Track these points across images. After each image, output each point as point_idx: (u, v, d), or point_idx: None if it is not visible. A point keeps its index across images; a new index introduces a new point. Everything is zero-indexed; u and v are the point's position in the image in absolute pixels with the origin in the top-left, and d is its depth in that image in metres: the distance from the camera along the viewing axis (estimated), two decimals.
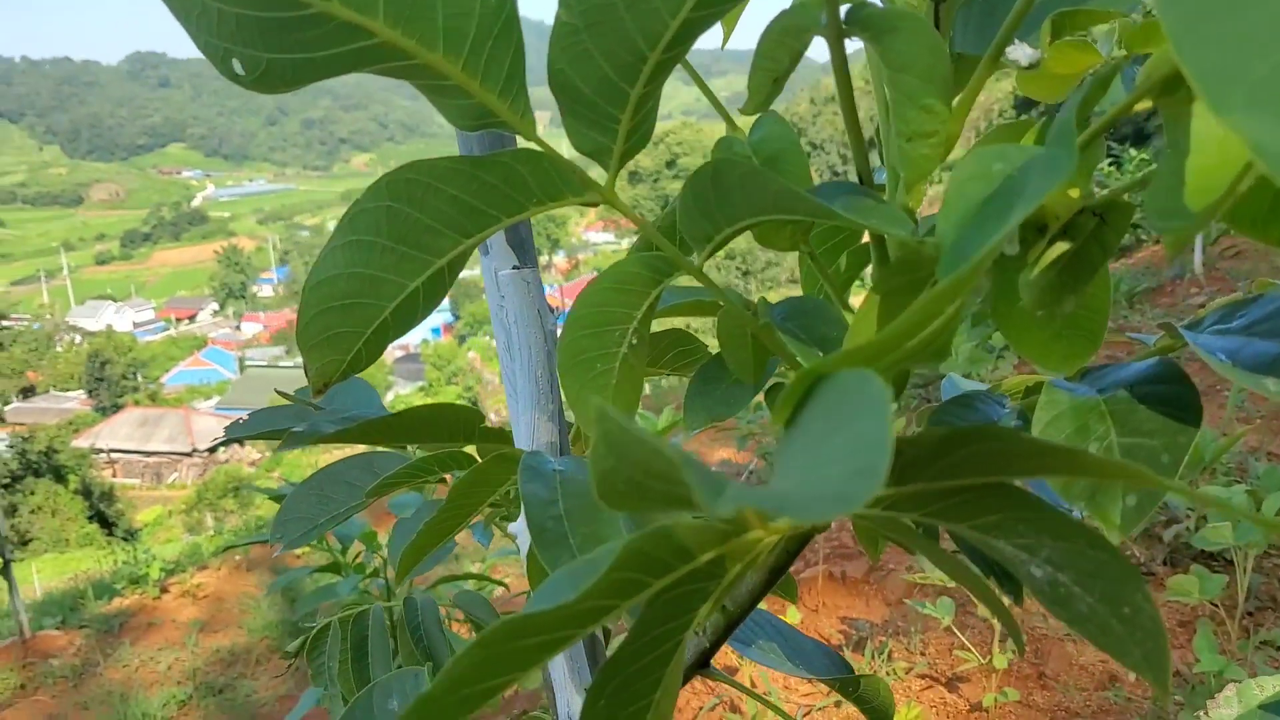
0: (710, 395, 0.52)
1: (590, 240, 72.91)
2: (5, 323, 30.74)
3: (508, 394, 0.65)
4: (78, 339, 52.40)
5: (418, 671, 0.53)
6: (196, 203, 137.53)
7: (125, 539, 23.14)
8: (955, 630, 2.74)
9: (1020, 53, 0.43)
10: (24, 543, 22.74)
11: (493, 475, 0.50)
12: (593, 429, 0.26)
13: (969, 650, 2.65)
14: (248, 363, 48.72)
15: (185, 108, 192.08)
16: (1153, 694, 2.30)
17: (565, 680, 0.63)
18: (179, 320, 70.20)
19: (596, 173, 0.46)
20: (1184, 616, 2.60)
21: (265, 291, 75.99)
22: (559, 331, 0.65)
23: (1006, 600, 0.46)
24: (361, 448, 0.97)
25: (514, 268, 0.58)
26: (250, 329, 61.45)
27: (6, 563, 7.00)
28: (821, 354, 0.43)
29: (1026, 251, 0.41)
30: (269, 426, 0.88)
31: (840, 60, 0.37)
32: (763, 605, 0.61)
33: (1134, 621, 0.35)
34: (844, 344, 0.40)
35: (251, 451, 35.08)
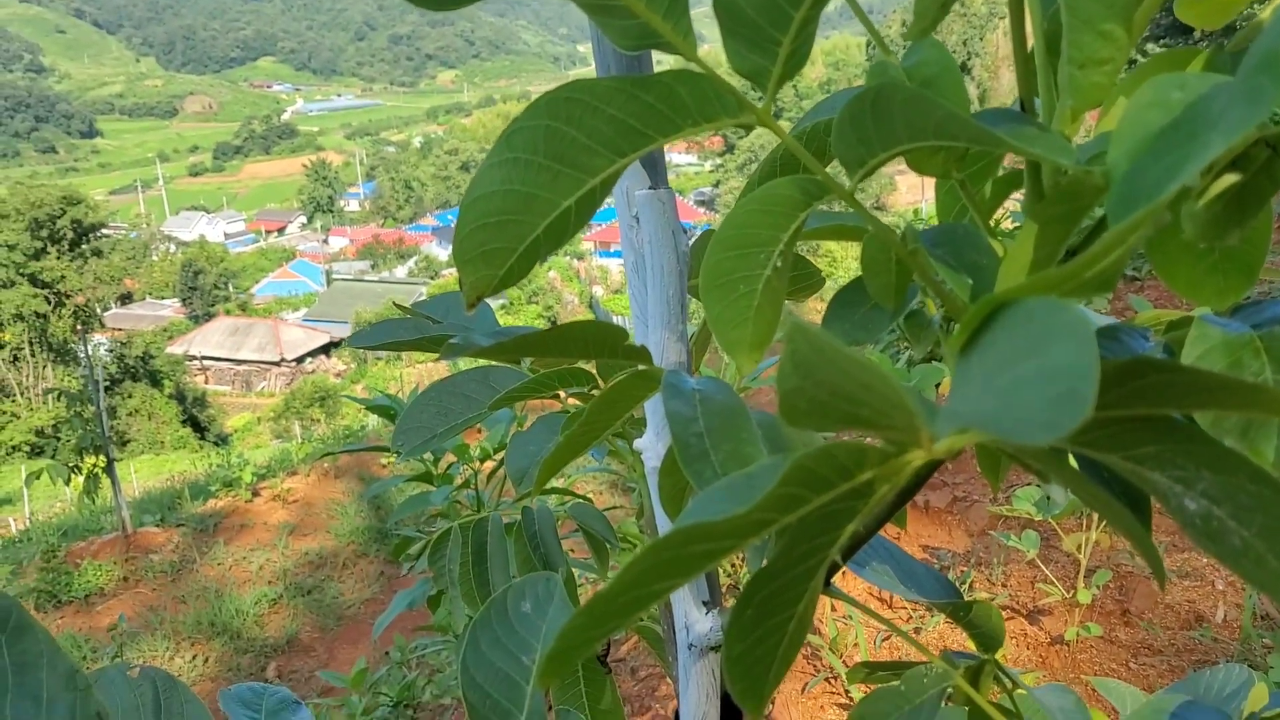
0: (849, 319, 0.52)
1: (672, 160, 72.25)
2: (105, 231, 31.64)
3: (634, 313, 0.66)
4: (172, 248, 53.90)
5: (550, 575, 0.55)
6: (286, 117, 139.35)
7: (217, 443, 24.00)
8: (1039, 563, 2.73)
9: None
10: (122, 443, 23.71)
11: (632, 392, 0.51)
12: (782, 347, 0.27)
13: (1052, 584, 2.64)
14: (334, 276, 49.66)
15: (275, 21, 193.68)
16: (1239, 636, 2.28)
17: (684, 592, 0.65)
18: (268, 232, 71.68)
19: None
20: None
21: (352, 206, 77.03)
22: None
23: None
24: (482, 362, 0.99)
25: (650, 188, 0.59)
26: (337, 243, 62.46)
27: (110, 461, 7.32)
28: (972, 281, 0.43)
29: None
30: (390, 337, 0.91)
31: None
32: None
33: None
34: (999, 272, 0.40)
35: (337, 363, 35.94)
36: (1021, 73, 0.40)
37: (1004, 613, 2.68)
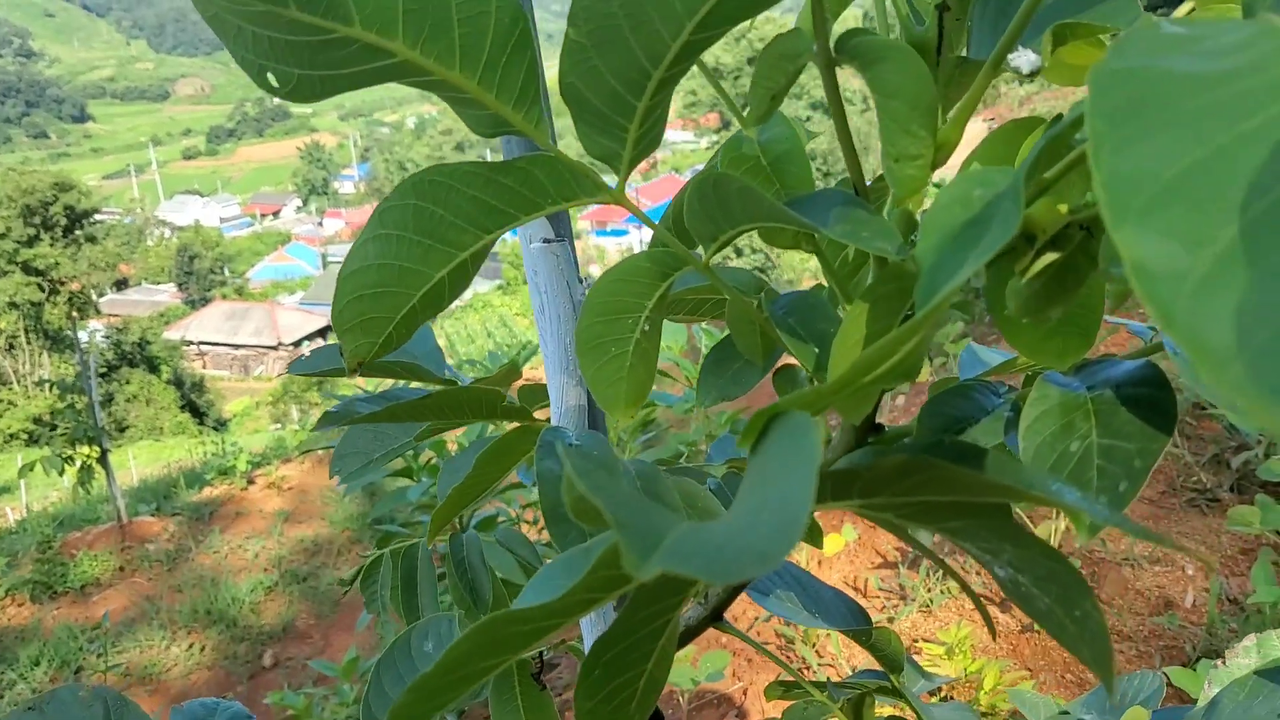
0: (722, 375, 0.54)
1: (669, 139, 71.95)
2: (99, 216, 31.59)
3: (543, 352, 0.68)
4: (167, 233, 53.80)
5: (450, 618, 0.58)
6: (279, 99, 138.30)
7: (215, 428, 24.02)
8: None
9: (1023, 59, 0.44)
10: (121, 429, 23.70)
11: (517, 445, 0.54)
12: (565, 464, 0.29)
13: None
14: (330, 259, 49.53)
15: None
16: (1205, 621, 2.31)
17: (592, 622, 0.68)
18: (264, 216, 71.50)
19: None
20: (1246, 544, 2.59)
21: (346, 188, 76.79)
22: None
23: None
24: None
25: (545, 240, 0.61)
26: (332, 225, 62.28)
27: (104, 452, 7.35)
28: (817, 350, 0.46)
29: (1015, 261, 0.42)
30: (329, 365, 0.93)
31: (831, 84, 0.39)
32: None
33: (1084, 624, 0.37)
34: (832, 347, 0.43)
35: None
36: (849, 159, 0.42)
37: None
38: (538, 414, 0.75)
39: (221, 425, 25.78)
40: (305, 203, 72.51)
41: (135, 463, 15.53)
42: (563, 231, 0.63)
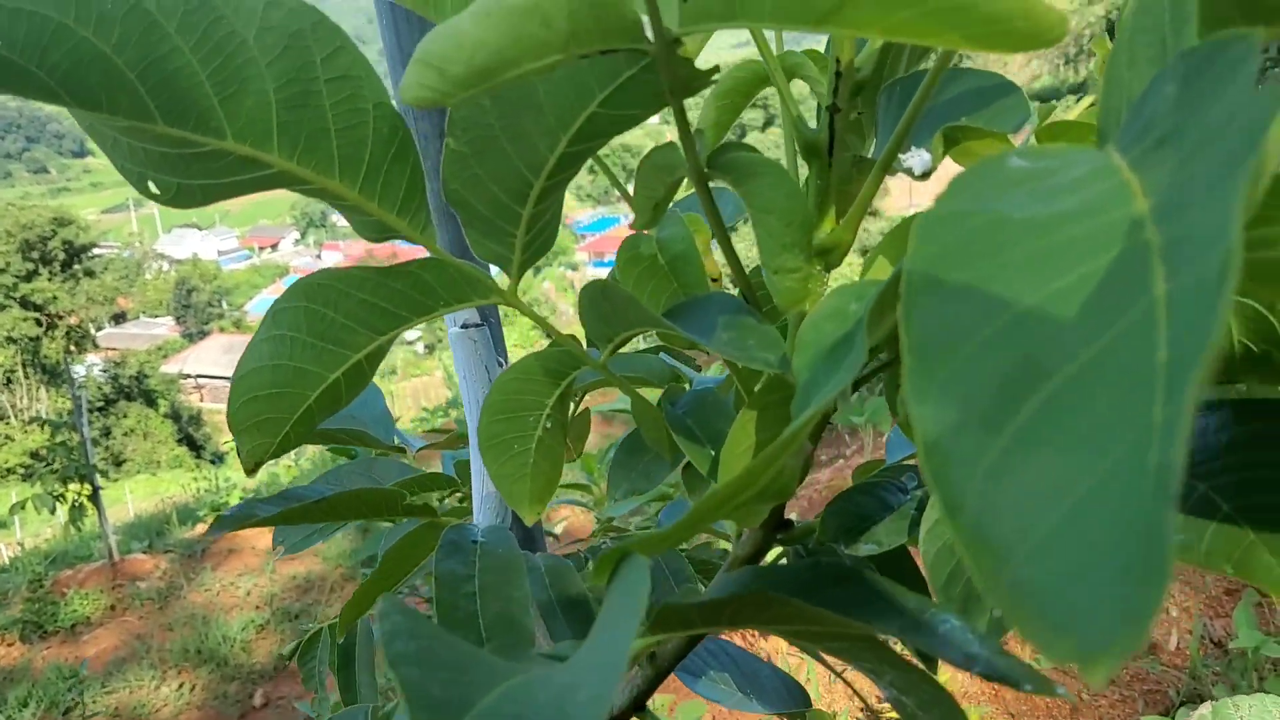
0: (632, 468, 0.54)
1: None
2: (97, 250, 31.70)
3: (469, 433, 0.68)
4: (165, 266, 53.90)
5: (366, 708, 0.57)
6: None
7: (213, 462, 23.97)
8: None
9: (916, 160, 0.44)
10: (118, 464, 23.65)
11: (423, 542, 0.53)
12: (378, 626, 0.28)
13: None
14: None
15: None
16: (1188, 665, 2.29)
17: None
18: (262, 248, 71.67)
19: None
20: (1231, 585, 2.57)
21: (344, 221, 76.92)
22: None
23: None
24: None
25: (463, 326, 0.61)
26: (330, 257, 62.33)
27: (95, 490, 7.32)
28: (713, 453, 0.45)
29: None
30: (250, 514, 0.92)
31: (707, 199, 0.39)
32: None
33: None
34: (721, 454, 0.42)
35: None
36: (734, 269, 0.41)
37: None
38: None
39: (219, 459, 25.71)
40: (303, 235, 72.68)
41: (131, 497, 15.48)
42: (487, 313, 0.63)
